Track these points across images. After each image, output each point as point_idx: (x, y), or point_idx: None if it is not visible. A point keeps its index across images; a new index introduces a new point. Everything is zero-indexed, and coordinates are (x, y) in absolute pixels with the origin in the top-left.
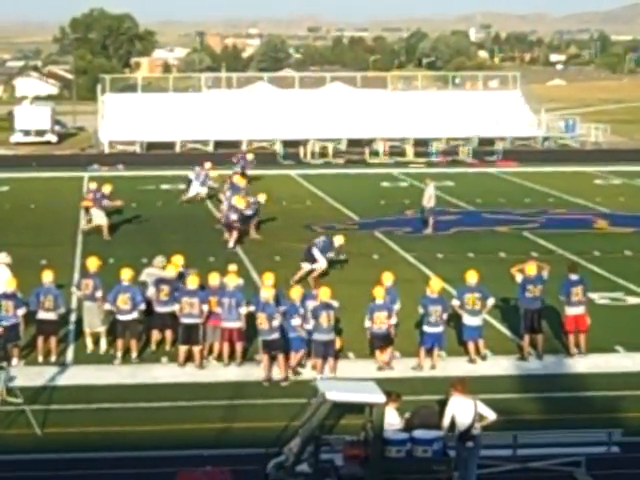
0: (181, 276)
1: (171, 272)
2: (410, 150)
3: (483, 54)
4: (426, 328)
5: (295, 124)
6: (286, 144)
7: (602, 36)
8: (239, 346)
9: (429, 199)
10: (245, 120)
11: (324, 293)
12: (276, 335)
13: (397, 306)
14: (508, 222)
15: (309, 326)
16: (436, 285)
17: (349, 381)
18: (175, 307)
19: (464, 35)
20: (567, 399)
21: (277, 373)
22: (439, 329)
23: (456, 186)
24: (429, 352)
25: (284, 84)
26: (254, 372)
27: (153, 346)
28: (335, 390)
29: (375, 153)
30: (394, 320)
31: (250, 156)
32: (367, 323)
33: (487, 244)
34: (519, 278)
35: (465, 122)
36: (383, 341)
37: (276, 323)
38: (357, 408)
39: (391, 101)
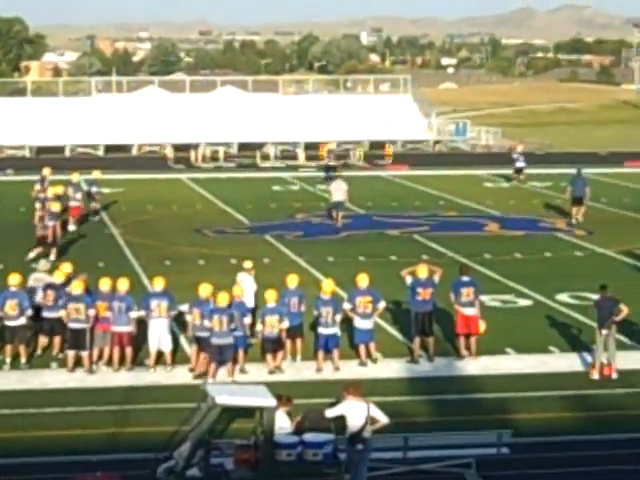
0: (69, 281)
1: (59, 278)
2: (301, 154)
3: (374, 58)
4: (320, 329)
5: (186, 128)
6: (177, 148)
7: (493, 40)
8: (129, 350)
9: (343, 193)
10: (135, 124)
11: (222, 299)
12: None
13: (303, 308)
14: (399, 225)
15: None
16: (328, 287)
17: (239, 385)
18: (62, 312)
19: (355, 39)
20: (458, 401)
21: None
22: (332, 330)
23: (348, 189)
24: (328, 354)
25: (175, 88)
26: (144, 377)
27: (40, 351)
28: (225, 394)
29: (266, 157)
30: (286, 324)
31: None
32: (258, 326)
33: (378, 247)
34: (409, 280)
35: (356, 126)
36: (274, 345)
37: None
38: (247, 412)
39: (282, 105)
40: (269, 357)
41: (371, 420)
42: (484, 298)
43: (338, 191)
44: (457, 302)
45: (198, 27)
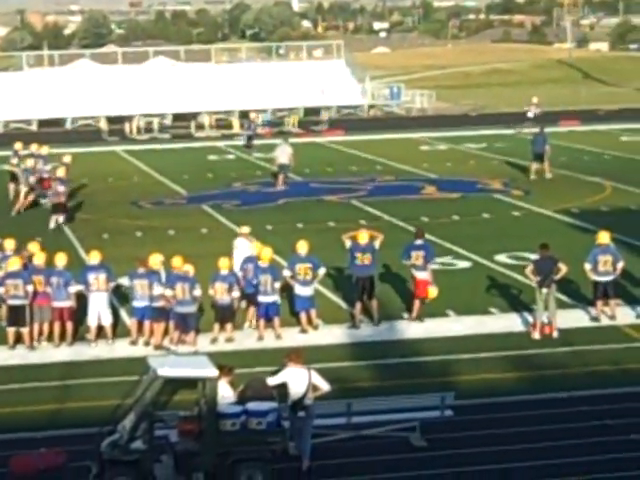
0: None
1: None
2: (236, 122)
3: (307, 24)
4: (260, 298)
5: (119, 100)
6: (111, 120)
7: (425, 3)
8: (69, 325)
9: (288, 157)
10: (68, 98)
11: (185, 266)
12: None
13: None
14: (336, 191)
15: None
16: (266, 254)
17: (181, 356)
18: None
19: (287, 6)
20: (400, 365)
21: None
22: (272, 298)
23: (292, 153)
24: (269, 322)
25: (107, 60)
26: (85, 351)
27: None
28: (167, 366)
29: (201, 126)
30: (236, 293)
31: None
32: (210, 291)
33: (316, 214)
34: (348, 244)
35: (290, 92)
36: (224, 313)
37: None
38: (190, 383)
39: (216, 74)
40: (216, 326)
41: (313, 387)
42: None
43: (283, 154)
44: (411, 266)
45: None
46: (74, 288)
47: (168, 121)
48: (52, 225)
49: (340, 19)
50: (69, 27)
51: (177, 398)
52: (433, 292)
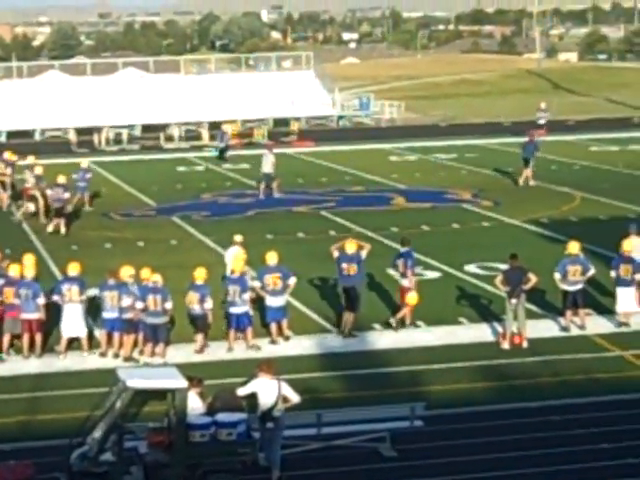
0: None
1: None
2: (205, 134)
3: (276, 35)
4: (230, 309)
5: (89, 111)
6: (80, 132)
7: (394, 13)
8: (39, 337)
9: (270, 166)
10: (38, 109)
11: (156, 277)
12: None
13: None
14: (305, 202)
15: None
16: (237, 266)
17: (150, 368)
18: None
19: (256, 17)
20: (370, 376)
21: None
22: (242, 309)
23: (252, 168)
24: (239, 333)
25: (76, 71)
26: (55, 363)
27: None
28: (136, 377)
29: (170, 138)
30: (208, 304)
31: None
32: (186, 300)
33: (285, 225)
34: (335, 255)
35: (260, 103)
36: (195, 323)
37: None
38: (159, 394)
39: (185, 85)
40: (195, 336)
41: (283, 398)
42: (392, 272)
43: (266, 164)
44: (400, 274)
45: (97, 9)
46: (43, 300)
47: (137, 132)
48: (50, 229)
49: (309, 30)
50: (38, 39)
51: (146, 409)
52: (411, 299)
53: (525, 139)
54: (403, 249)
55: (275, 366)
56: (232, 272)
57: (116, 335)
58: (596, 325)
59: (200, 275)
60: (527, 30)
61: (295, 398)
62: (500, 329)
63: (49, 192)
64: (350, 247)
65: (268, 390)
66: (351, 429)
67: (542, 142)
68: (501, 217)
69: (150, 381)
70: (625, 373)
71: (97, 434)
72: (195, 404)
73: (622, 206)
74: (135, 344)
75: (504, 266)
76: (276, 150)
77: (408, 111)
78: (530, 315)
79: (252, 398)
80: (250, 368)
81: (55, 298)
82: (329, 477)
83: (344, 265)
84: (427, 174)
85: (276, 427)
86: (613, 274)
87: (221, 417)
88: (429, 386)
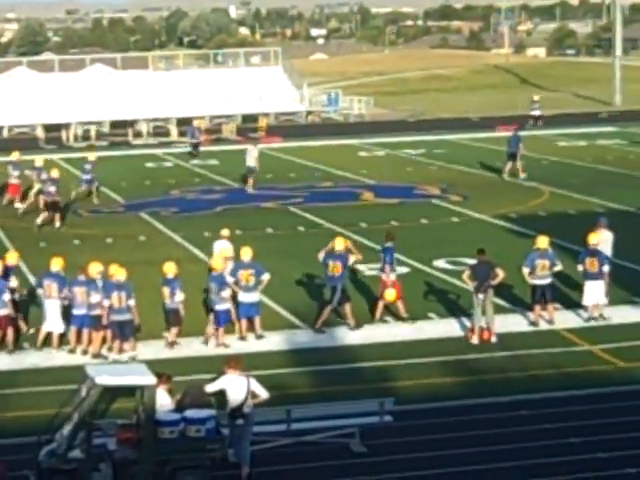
0: None
1: None
2: (174, 130)
3: (244, 31)
4: (215, 307)
5: (57, 108)
6: (48, 128)
7: (362, 9)
8: (10, 333)
9: (254, 160)
10: (5, 106)
11: (120, 274)
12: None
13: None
14: (274, 198)
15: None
16: (217, 264)
17: (119, 364)
18: None
19: (224, 13)
20: (339, 371)
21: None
22: (222, 306)
23: (221, 164)
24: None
25: (44, 68)
26: (24, 360)
27: None
28: (105, 374)
29: (138, 134)
30: (178, 297)
31: None
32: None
33: (254, 220)
34: (321, 256)
35: (228, 99)
36: (167, 317)
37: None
38: (128, 391)
39: (153, 81)
40: (168, 329)
41: (252, 394)
42: (361, 267)
43: (250, 158)
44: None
45: (65, 6)
46: (8, 296)
47: (105, 129)
48: (39, 221)
49: (278, 26)
50: (5, 35)
51: (115, 406)
52: (388, 295)
53: (510, 134)
54: (385, 244)
55: (243, 362)
56: (212, 270)
57: (85, 332)
58: (564, 319)
59: (170, 269)
60: (495, 26)
61: (264, 394)
62: (469, 324)
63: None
64: (338, 244)
65: (237, 386)
66: (321, 425)
67: (502, 138)
68: (470, 212)
69: (119, 378)
70: (594, 367)
71: (66, 431)
72: (164, 401)
73: (590, 200)
74: (104, 341)
75: (473, 261)
76: (244, 146)
77: (377, 107)
78: (499, 310)
79: (221, 394)
80: (219, 364)
81: (39, 292)
82: (299, 473)
83: (330, 263)
84: (396, 169)
85: (245, 423)
86: (580, 268)
87: (190, 413)
88: (398, 381)
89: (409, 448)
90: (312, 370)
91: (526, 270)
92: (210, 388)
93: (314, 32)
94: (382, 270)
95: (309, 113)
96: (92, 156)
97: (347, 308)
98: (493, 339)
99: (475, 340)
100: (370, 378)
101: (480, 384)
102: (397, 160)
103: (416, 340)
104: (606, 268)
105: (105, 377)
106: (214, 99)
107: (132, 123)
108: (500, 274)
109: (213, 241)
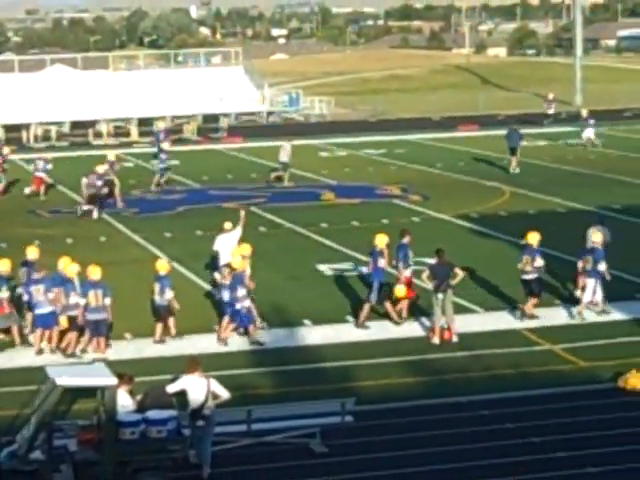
0: None
1: None
2: (134, 130)
3: (205, 31)
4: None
5: (16, 108)
6: (8, 128)
7: (323, 9)
8: None
9: (287, 155)
10: None
11: (95, 273)
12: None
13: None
14: (235, 198)
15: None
16: (237, 263)
17: (80, 365)
18: None
19: (185, 13)
20: (300, 371)
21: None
22: (242, 304)
23: (182, 164)
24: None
25: (4, 68)
26: None
27: None
28: (65, 375)
29: (99, 134)
30: (168, 295)
31: None
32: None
33: (215, 221)
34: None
35: (189, 100)
36: (157, 313)
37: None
38: (88, 392)
39: (113, 81)
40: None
41: (213, 395)
42: (322, 267)
43: (283, 154)
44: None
45: (25, 6)
46: None
47: (66, 129)
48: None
49: (238, 26)
50: None
51: (76, 407)
52: (398, 291)
53: (506, 130)
54: (401, 240)
55: (202, 363)
56: (233, 269)
57: (43, 331)
58: (526, 319)
59: (162, 266)
60: (456, 25)
61: (225, 394)
62: (429, 324)
63: (84, 180)
64: (379, 240)
65: (197, 387)
66: (281, 425)
67: (463, 138)
68: (430, 212)
69: (79, 379)
70: (554, 367)
71: (27, 432)
72: (125, 401)
73: (551, 200)
74: (78, 341)
75: (432, 260)
76: (205, 146)
77: (338, 107)
78: (460, 310)
79: (182, 395)
80: (180, 365)
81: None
82: (260, 473)
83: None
84: (357, 169)
85: (207, 424)
86: (580, 265)
87: (151, 414)
88: (359, 381)
89: (370, 448)
90: (273, 370)
91: (520, 265)
92: (171, 389)
93: (275, 32)
94: (395, 267)
95: (270, 113)
96: (111, 155)
97: (386, 305)
98: (454, 339)
99: (436, 340)
100: (331, 378)
101: (441, 384)
102: (358, 160)
103: (377, 340)
104: (602, 266)
105: (65, 378)
106: (175, 99)
107: (93, 123)
108: (459, 274)
109: (174, 242)
